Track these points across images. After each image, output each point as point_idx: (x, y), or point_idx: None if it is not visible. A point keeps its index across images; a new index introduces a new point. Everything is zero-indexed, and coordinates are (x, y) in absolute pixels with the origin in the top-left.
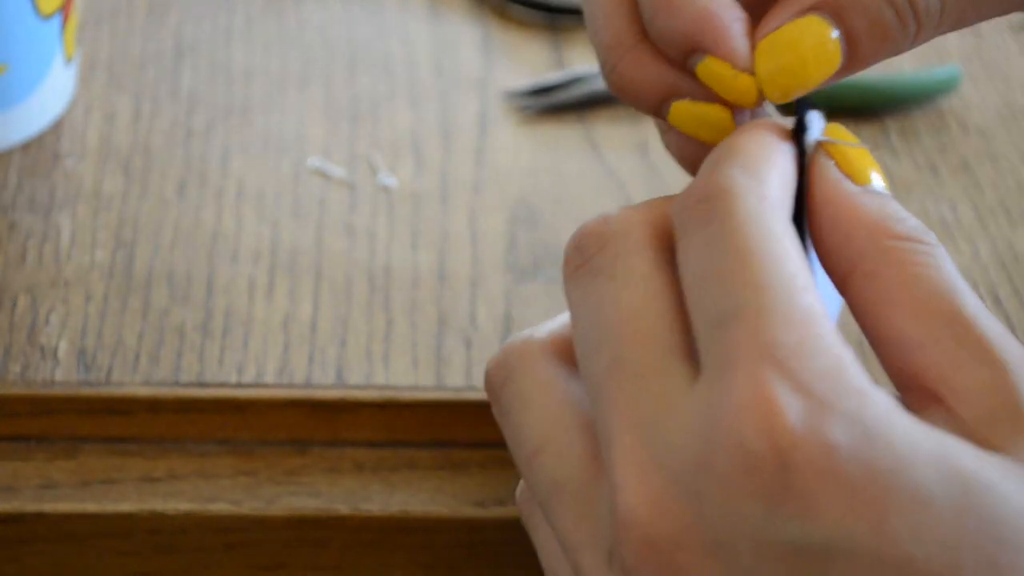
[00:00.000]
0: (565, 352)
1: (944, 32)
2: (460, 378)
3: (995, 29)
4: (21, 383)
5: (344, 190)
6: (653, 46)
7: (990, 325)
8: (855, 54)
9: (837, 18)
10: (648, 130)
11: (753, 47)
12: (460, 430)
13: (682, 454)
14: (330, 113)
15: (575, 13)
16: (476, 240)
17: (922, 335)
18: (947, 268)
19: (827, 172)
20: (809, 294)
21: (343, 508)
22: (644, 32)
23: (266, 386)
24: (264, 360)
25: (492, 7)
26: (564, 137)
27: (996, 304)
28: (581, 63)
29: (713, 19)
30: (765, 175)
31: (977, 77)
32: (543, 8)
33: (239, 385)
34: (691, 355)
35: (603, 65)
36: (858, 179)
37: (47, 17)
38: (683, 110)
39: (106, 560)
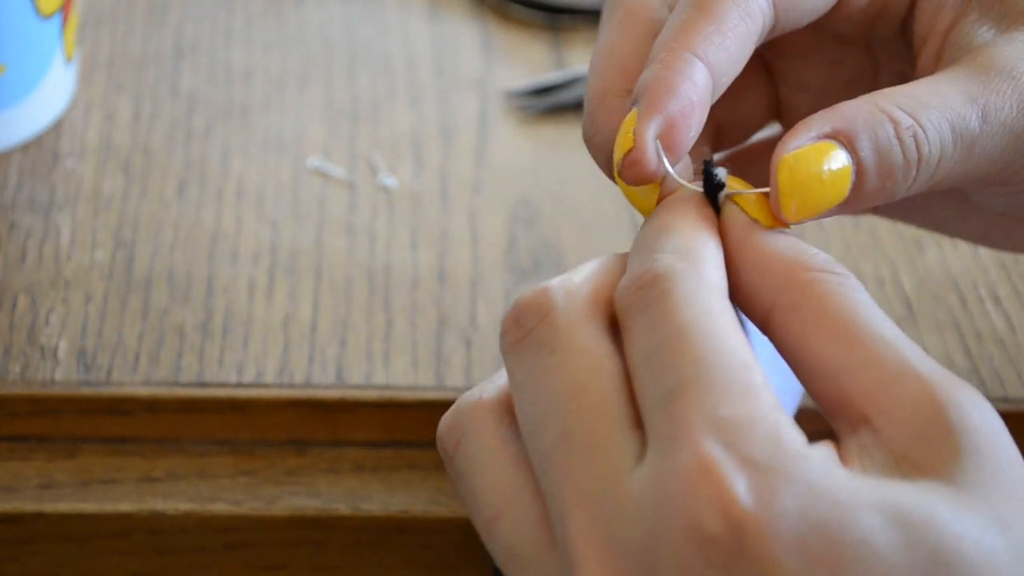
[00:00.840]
0: (509, 412)
1: (931, 188)
2: (460, 378)
3: None
4: (21, 383)
5: (344, 190)
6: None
7: (910, 347)
8: (860, 187)
9: (850, 147)
10: None
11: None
12: None
13: (635, 530)
14: (330, 113)
15: (575, 13)
16: (476, 240)
17: (846, 360)
18: (862, 296)
19: (735, 219)
20: (747, 366)
21: (343, 508)
22: (627, 91)
23: (266, 386)
24: (264, 360)
25: (492, 7)
26: (564, 137)
27: (996, 304)
28: (581, 63)
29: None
30: (699, 255)
31: None
32: (543, 8)
33: (239, 385)
34: (639, 424)
35: (584, 111)
36: (765, 222)
37: (47, 17)
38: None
39: (106, 560)
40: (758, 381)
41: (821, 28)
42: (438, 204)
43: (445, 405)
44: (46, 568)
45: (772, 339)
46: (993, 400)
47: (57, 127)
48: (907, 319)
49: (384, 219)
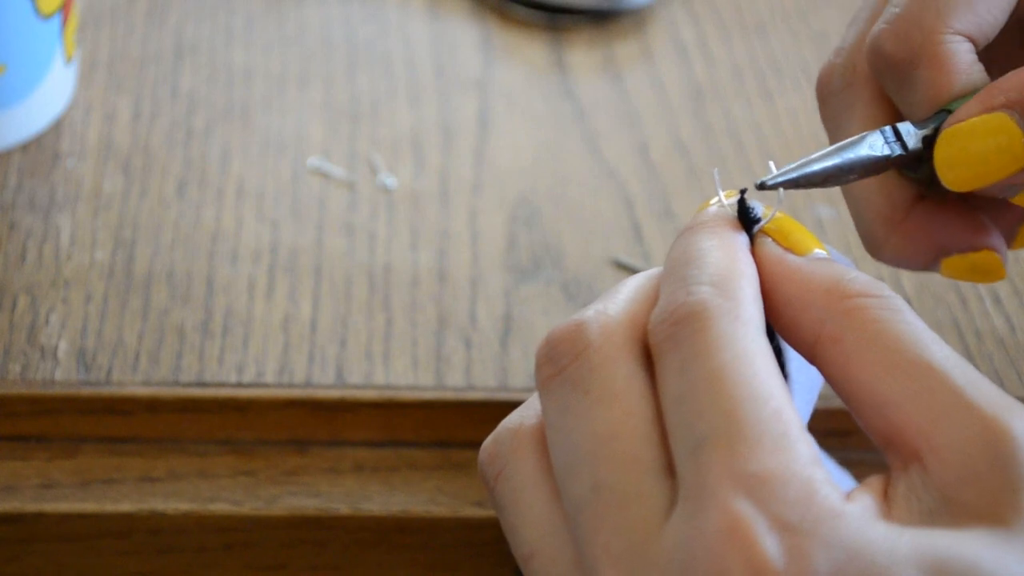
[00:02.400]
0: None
1: None
2: (460, 378)
3: None
4: (21, 383)
5: (344, 190)
6: (919, 219)
7: (965, 373)
8: None
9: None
10: (649, 131)
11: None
12: (460, 430)
13: None
14: (330, 113)
15: (575, 13)
16: (476, 240)
17: (894, 393)
18: (909, 319)
19: (769, 251)
20: (782, 417)
21: (343, 508)
22: (906, 209)
23: (266, 386)
24: (264, 360)
25: (492, 7)
26: (564, 137)
27: (996, 304)
28: (581, 63)
29: None
30: (736, 290)
31: None
32: (543, 8)
33: (239, 385)
34: (670, 470)
35: (869, 240)
36: (799, 251)
37: (47, 17)
38: (955, 264)
39: (106, 560)
40: (793, 433)
41: None
42: (438, 204)
43: (445, 405)
44: (46, 568)
45: (820, 371)
46: None
47: (57, 127)
48: None
49: (384, 219)
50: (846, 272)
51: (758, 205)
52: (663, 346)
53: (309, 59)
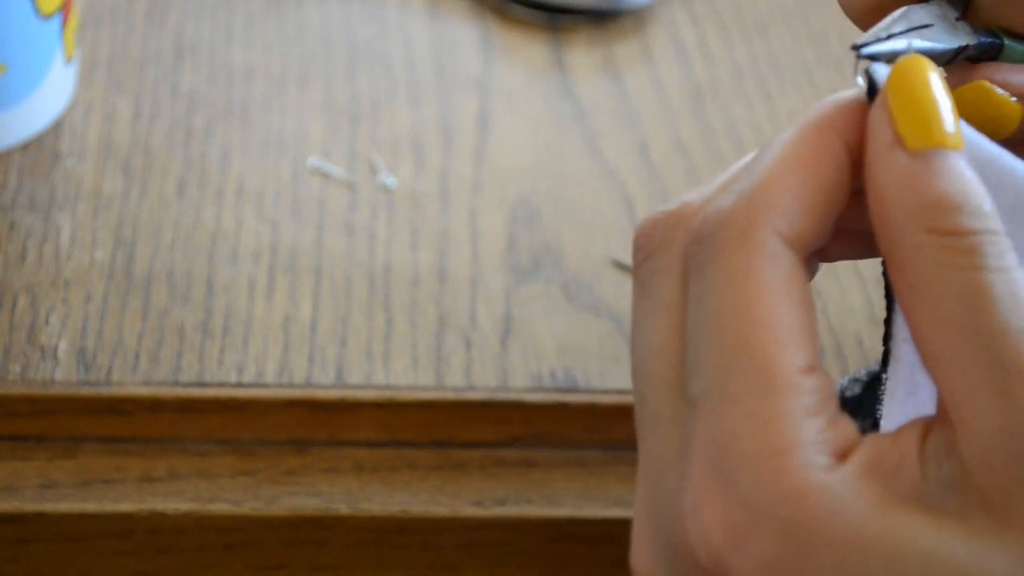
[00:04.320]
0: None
1: None
2: (460, 378)
3: None
4: (21, 383)
5: (344, 190)
6: None
7: (1019, 350)
8: None
9: None
10: (649, 131)
11: None
12: (460, 430)
13: (666, 529)
14: (330, 113)
15: (575, 13)
16: (476, 240)
17: (941, 348)
18: (992, 273)
19: (878, 136)
20: (773, 370)
21: (343, 508)
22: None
23: (266, 386)
24: (264, 360)
25: (492, 7)
26: (564, 137)
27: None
28: (581, 63)
29: None
30: (768, 207)
31: None
32: (543, 8)
33: (239, 385)
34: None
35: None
36: (913, 142)
37: (47, 17)
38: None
39: (106, 560)
40: (782, 388)
41: None
42: (438, 204)
43: (445, 405)
44: (46, 568)
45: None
46: None
47: (57, 127)
48: None
49: (384, 219)
50: (953, 193)
51: (882, 68)
52: (691, 264)
53: (309, 59)
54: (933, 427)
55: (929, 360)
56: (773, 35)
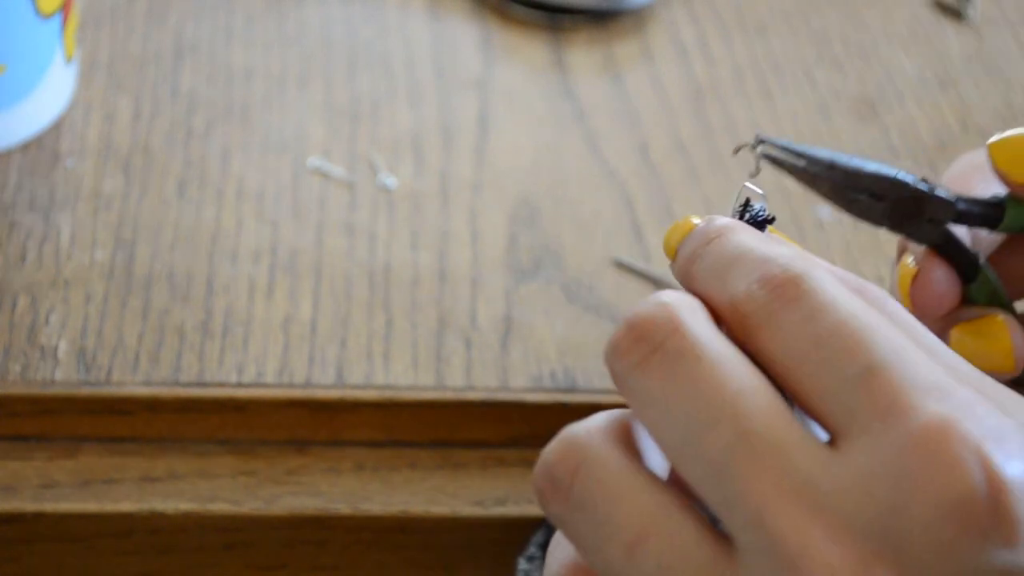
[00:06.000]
0: (627, 440)
1: None
2: (460, 378)
3: (996, 29)
4: (21, 383)
5: (344, 190)
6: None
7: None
8: None
9: None
10: (648, 131)
11: None
12: (460, 430)
13: (872, 510)
14: (330, 113)
15: (575, 13)
16: (476, 240)
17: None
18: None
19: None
20: (928, 337)
21: (343, 508)
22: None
23: (266, 386)
24: (264, 360)
25: (492, 7)
26: (564, 137)
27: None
28: (581, 63)
29: None
30: (815, 261)
31: (977, 77)
32: (543, 8)
33: (239, 385)
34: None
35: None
36: None
37: (47, 17)
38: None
39: (106, 560)
40: (941, 349)
41: None
42: (438, 204)
43: (445, 405)
44: (46, 568)
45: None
46: None
47: (57, 127)
48: None
49: (384, 219)
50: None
51: (760, 206)
52: (772, 308)
53: (309, 59)
54: None
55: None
56: (773, 35)
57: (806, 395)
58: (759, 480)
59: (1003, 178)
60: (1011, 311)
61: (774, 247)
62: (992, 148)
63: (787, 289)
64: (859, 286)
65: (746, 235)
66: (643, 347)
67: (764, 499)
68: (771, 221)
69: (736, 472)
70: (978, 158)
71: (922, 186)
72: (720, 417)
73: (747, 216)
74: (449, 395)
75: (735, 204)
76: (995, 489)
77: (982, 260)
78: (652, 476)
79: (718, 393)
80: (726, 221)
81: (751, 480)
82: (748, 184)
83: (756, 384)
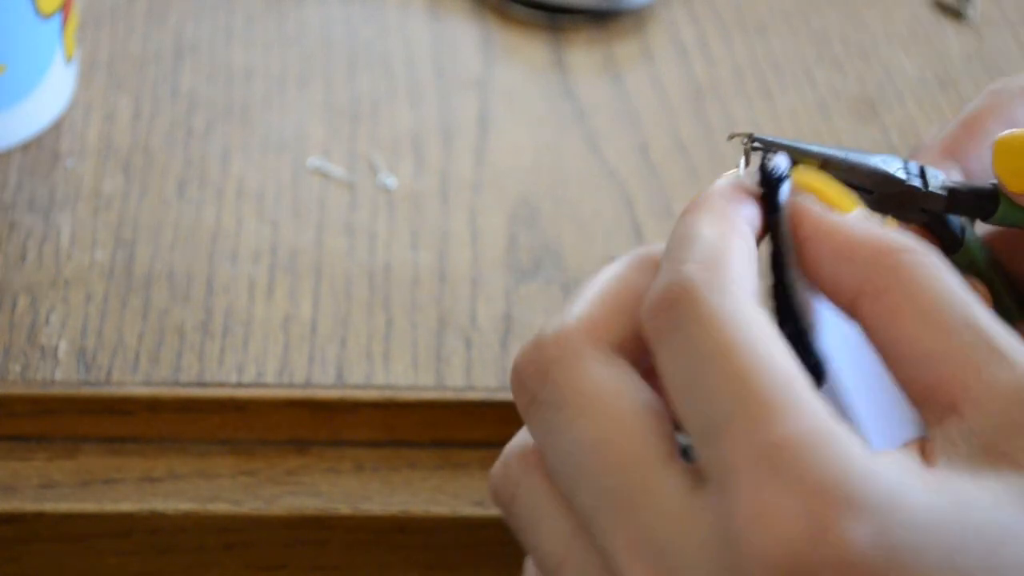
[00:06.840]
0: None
1: None
2: (460, 378)
3: (996, 29)
4: (21, 383)
5: (344, 190)
6: None
7: (1002, 332)
8: None
9: None
10: (648, 131)
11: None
12: (460, 430)
13: (704, 570)
14: (330, 113)
15: (575, 13)
16: (476, 240)
17: (935, 344)
18: (950, 277)
19: (811, 209)
20: (788, 376)
21: (343, 508)
22: None
23: (266, 386)
24: (264, 360)
25: (492, 7)
26: (564, 137)
27: None
28: (581, 63)
29: None
30: (725, 264)
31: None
32: (543, 8)
33: (239, 385)
34: (676, 453)
35: None
36: (842, 209)
37: (47, 17)
38: None
39: (106, 560)
40: (805, 395)
41: None
42: (438, 204)
43: (445, 405)
44: (46, 568)
45: (861, 325)
46: None
47: (57, 127)
48: None
49: (384, 219)
50: (888, 230)
51: (782, 163)
52: (660, 333)
53: (309, 59)
54: (928, 428)
55: (924, 361)
56: (773, 35)
57: (685, 429)
58: (615, 537)
59: (1001, 187)
60: (988, 280)
61: (698, 240)
62: (998, 146)
63: (668, 316)
64: (876, 248)
65: (691, 219)
66: (524, 395)
67: (621, 557)
68: (781, 181)
69: (599, 529)
70: (971, 119)
71: (915, 183)
72: (581, 473)
73: (763, 176)
74: (449, 395)
75: (743, 167)
76: (805, 569)
77: (968, 234)
78: (568, 503)
79: (578, 447)
80: (695, 198)
81: (610, 536)
82: (740, 171)
83: (619, 429)
